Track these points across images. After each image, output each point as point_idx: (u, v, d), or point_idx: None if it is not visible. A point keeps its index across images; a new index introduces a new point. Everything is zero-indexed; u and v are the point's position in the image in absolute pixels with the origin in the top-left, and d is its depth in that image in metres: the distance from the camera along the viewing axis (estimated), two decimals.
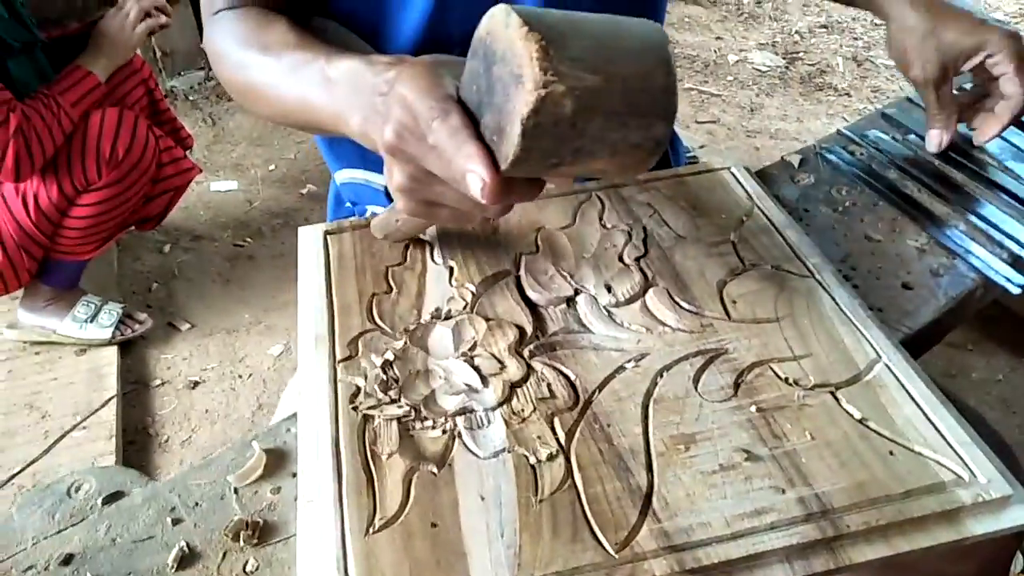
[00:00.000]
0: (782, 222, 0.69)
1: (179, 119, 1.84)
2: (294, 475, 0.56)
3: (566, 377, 0.56)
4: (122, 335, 1.73)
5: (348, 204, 0.84)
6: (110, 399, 1.61)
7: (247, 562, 0.51)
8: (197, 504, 0.54)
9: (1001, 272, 0.72)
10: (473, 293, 0.63)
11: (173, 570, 0.51)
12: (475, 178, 0.43)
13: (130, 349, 1.76)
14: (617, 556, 0.44)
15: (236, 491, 0.55)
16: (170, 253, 2.06)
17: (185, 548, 0.51)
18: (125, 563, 0.51)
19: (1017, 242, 0.75)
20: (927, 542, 0.45)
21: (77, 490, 0.55)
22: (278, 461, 0.57)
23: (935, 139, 0.84)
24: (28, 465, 1.48)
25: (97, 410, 1.58)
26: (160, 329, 1.82)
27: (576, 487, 0.48)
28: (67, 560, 0.51)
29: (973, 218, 0.78)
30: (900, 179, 0.86)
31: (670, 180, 0.75)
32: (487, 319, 0.60)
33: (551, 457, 0.50)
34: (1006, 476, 0.47)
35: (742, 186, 0.74)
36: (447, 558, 0.44)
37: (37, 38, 1.55)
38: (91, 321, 1.71)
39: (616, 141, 0.42)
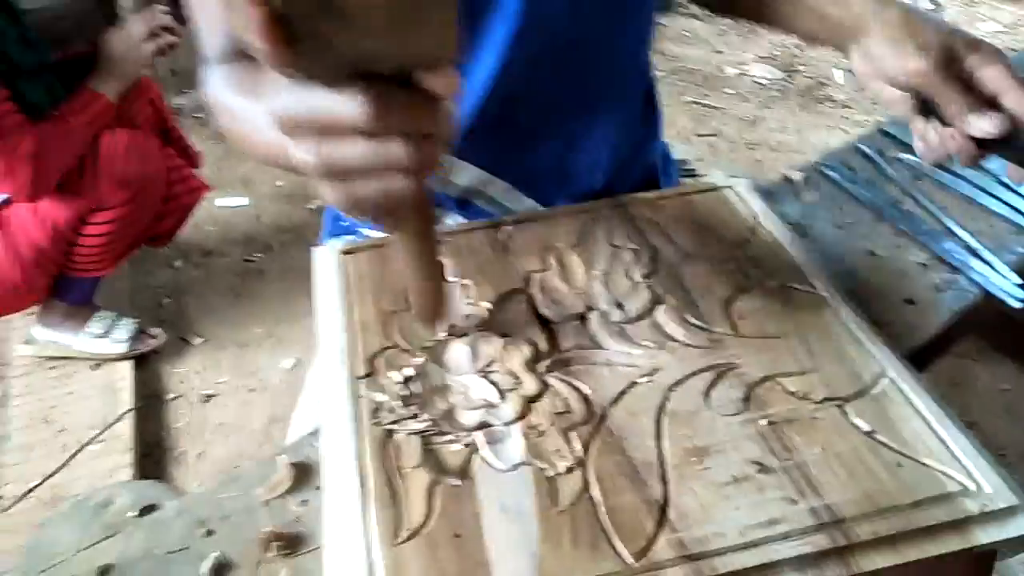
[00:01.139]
0: (787, 239, 0.71)
1: (187, 137, 1.87)
2: (319, 488, 0.58)
3: (580, 392, 0.57)
4: (136, 350, 1.76)
5: (343, 223, 0.86)
6: (125, 413, 1.64)
7: (280, 572, 0.53)
8: (227, 517, 0.56)
9: (1002, 287, 0.73)
10: (488, 311, 0.65)
11: None
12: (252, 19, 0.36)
13: (144, 363, 1.80)
14: (635, 565, 0.45)
15: (265, 504, 0.56)
16: (181, 268, 2.09)
17: (221, 558, 0.53)
18: (161, 573, 0.53)
19: (1018, 256, 0.77)
20: (936, 550, 0.47)
21: (110, 504, 0.57)
22: (304, 475, 0.59)
23: (987, 124, 0.58)
24: (46, 479, 1.51)
25: (113, 424, 1.61)
26: (173, 343, 1.85)
27: (593, 498, 0.49)
28: (105, 571, 0.53)
29: (974, 233, 0.80)
30: (900, 195, 0.88)
31: (675, 198, 0.77)
32: (503, 336, 0.62)
33: (569, 470, 0.51)
34: (1011, 487, 0.49)
35: (746, 204, 0.76)
36: (471, 567, 0.46)
37: (48, 60, 1.58)
38: (106, 336, 1.74)
39: None
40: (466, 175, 0.76)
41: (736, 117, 2.75)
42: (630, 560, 0.46)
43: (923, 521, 0.47)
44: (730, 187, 0.78)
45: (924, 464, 0.51)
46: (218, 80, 0.66)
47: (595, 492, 0.50)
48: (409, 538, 0.47)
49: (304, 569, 0.52)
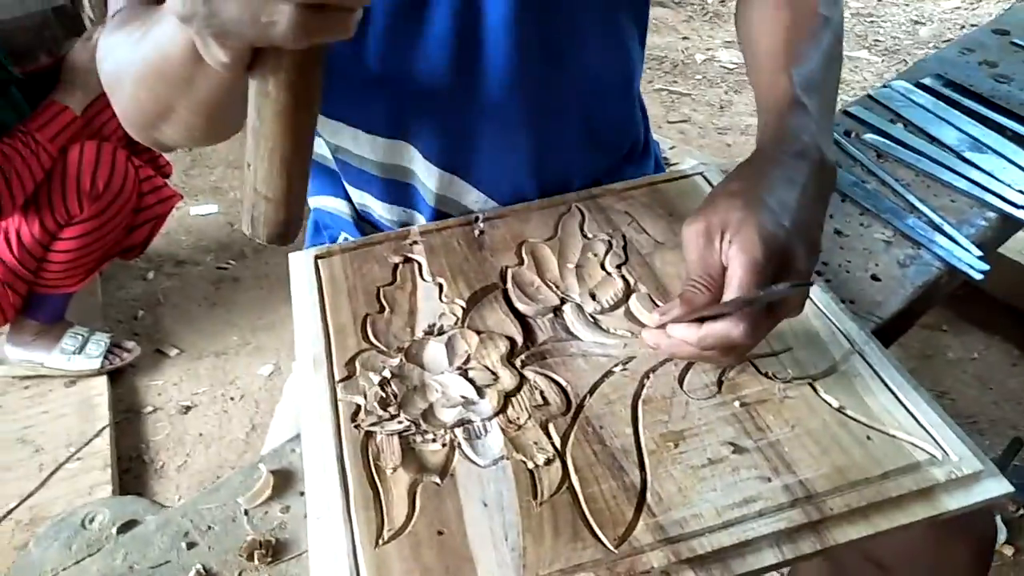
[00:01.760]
0: None
1: None
2: (302, 494, 0.58)
3: (558, 384, 0.58)
4: (111, 364, 1.73)
5: (324, 234, 0.85)
6: (103, 429, 1.61)
7: None
8: (210, 527, 0.56)
9: (964, 260, 0.75)
10: (463, 308, 0.65)
11: None
12: None
13: (120, 378, 1.77)
14: (616, 551, 0.46)
15: (247, 512, 0.56)
16: (154, 280, 2.07)
17: (202, 570, 0.53)
18: None
19: (978, 229, 0.79)
20: (905, 520, 0.48)
21: (91, 521, 0.57)
22: (285, 481, 0.59)
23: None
24: (24, 499, 1.48)
25: (90, 440, 1.59)
26: (148, 356, 1.83)
27: (574, 488, 0.50)
28: None
29: (936, 209, 0.82)
30: (865, 175, 0.90)
31: (646, 188, 0.78)
32: (478, 332, 0.63)
33: (548, 461, 0.52)
34: (976, 453, 0.50)
35: None
36: (455, 564, 0.46)
37: (11, 75, 1.55)
38: (79, 352, 1.71)
39: None
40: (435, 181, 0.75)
41: (706, 103, 2.77)
42: (610, 547, 0.46)
43: (892, 491, 0.49)
44: (700, 173, 0.79)
45: (892, 436, 0.52)
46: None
47: (575, 482, 0.51)
48: (392, 538, 0.48)
49: (287, 575, 0.53)
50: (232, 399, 1.73)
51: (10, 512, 1.47)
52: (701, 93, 2.83)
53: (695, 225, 0.54)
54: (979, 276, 0.74)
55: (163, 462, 1.61)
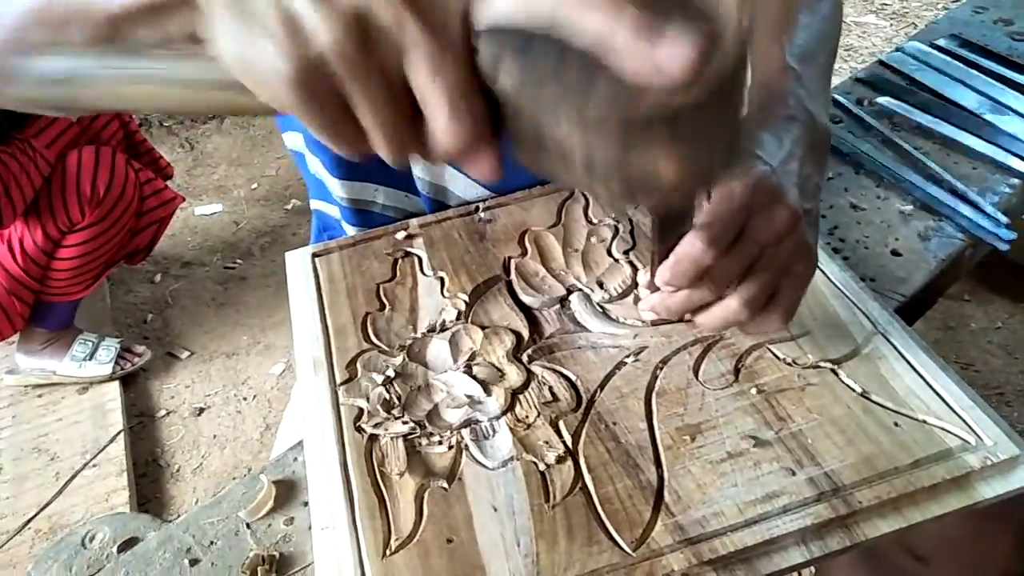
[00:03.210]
0: None
1: (156, 148, 1.84)
2: (305, 504, 0.57)
3: (567, 379, 0.56)
4: (122, 369, 1.73)
5: (324, 233, 0.83)
6: (117, 434, 1.62)
7: None
8: (212, 543, 0.54)
9: (989, 228, 0.72)
10: (466, 303, 0.63)
11: None
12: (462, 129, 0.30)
13: (132, 383, 1.77)
14: (634, 554, 0.44)
15: (249, 526, 0.55)
16: (161, 282, 2.06)
17: None
18: None
19: (1002, 196, 0.75)
20: (939, 511, 0.46)
21: (92, 539, 0.56)
22: (288, 492, 0.57)
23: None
24: (42, 509, 1.49)
25: (105, 447, 1.59)
26: (160, 359, 1.83)
27: (587, 489, 0.48)
28: None
29: (957, 177, 0.78)
30: (880, 145, 0.86)
31: None
32: (483, 327, 0.60)
33: (559, 461, 0.50)
34: (1011, 437, 0.48)
35: None
36: (466, 573, 0.44)
37: None
38: (90, 359, 1.71)
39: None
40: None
41: None
42: (628, 550, 0.44)
43: (924, 481, 0.46)
44: None
45: (921, 421, 0.50)
46: None
47: (588, 482, 0.48)
48: (400, 548, 0.46)
49: None
50: (245, 399, 1.73)
51: (28, 522, 1.47)
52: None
53: None
54: (1005, 247, 0.70)
55: (179, 465, 1.60)
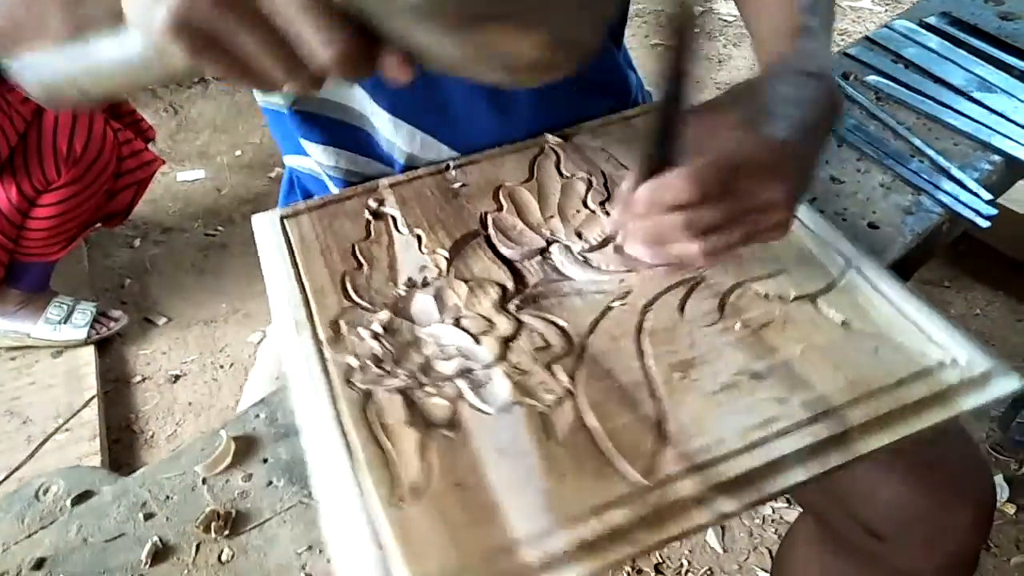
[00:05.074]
0: None
1: (139, 111, 1.77)
2: (265, 461, 0.57)
3: (556, 325, 0.56)
4: (98, 334, 1.68)
5: (297, 191, 0.81)
6: (91, 399, 1.57)
7: (222, 552, 0.51)
8: (168, 497, 0.54)
9: (969, 204, 0.73)
10: (446, 258, 0.62)
11: (147, 566, 0.50)
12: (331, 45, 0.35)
13: (107, 348, 1.72)
14: (646, 482, 0.45)
15: (206, 481, 0.54)
16: (141, 247, 2.00)
17: (158, 543, 0.51)
18: (98, 562, 0.50)
19: (982, 173, 0.77)
20: (923, 424, 0.48)
21: (45, 492, 0.55)
22: (248, 448, 0.57)
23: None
24: (13, 472, 1.43)
25: (79, 411, 1.54)
26: (136, 325, 1.78)
27: (589, 426, 0.48)
28: (39, 564, 0.51)
29: (939, 152, 0.79)
30: (864, 118, 0.87)
31: (619, 123, 0.76)
32: (466, 281, 0.60)
33: (559, 402, 0.50)
34: (984, 352, 0.51)
35: None
36: (482, 515, 0.44)
37: None
38: (65, 322, 1.66)
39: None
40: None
41: (704, 57, 2.68)
42: (638, 479, 0.45)
43: (909, 398, 0.48)
44: None
45: (900, 344, 0.52)
46: None
47: (590, 420, 0.49)
48: (410, 496, 0.45)
49: (249, 546, 0.51)
50: (222, 367, 1.70)
51: None
52: (698, 47, 2.77)
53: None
54: (985, 224, 0.72)
55: (153, 432, 1.57)
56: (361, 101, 0.70)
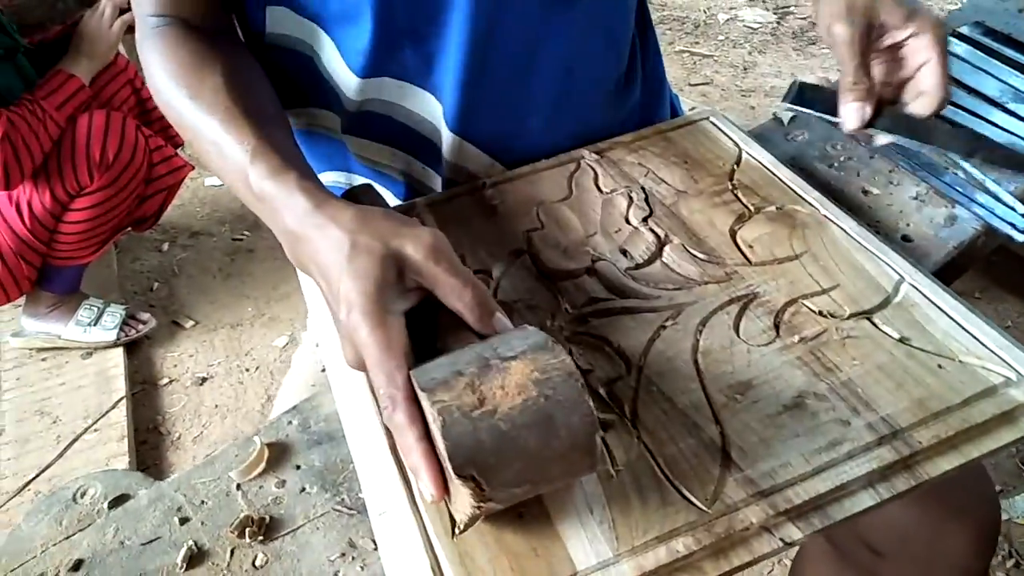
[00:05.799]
0: (772, 163, 0.70)
1: None
2: (298, 467, 0.57)
3: (610, 346, 0.55)
4: (127, 336, 1.72)
5: None
6: (119, 400, 1.61)
7: (256, 557, 0.51)
8: (203, 502, 0.54)
9: (1005, 218, 0.72)
10: (492, 277, 0.62)
11: (183, 569, 0.51)
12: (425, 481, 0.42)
13: (136, 350, 1.76)
14: (710, 511, 0.44)
15: (240, 487, 0.54)
16: (169, 251, 2.04)
17: (193, 547, 0.51)
18: (134, 565, 0.51)
19: (1018, 186, 0.74)
20: (994, 445, 0.47)
21: (83, 495, 0.55)
22: (281, 454, 0.57)
23: (856, 113, 0.63)
24: (43, 471, 1.47)
25: (107, 412, 1.58)
26: (164, 328, 1.82)
27: (650, 451, 0.48)
28: (77, 566, 0.51)
29: (974, 164, 0.77)
30: None
31: (654, 137, 0.75)
32: (513, 302, 0.59)
33: (617, 426, 0.49)
34: None
35: (726, 133, 0.74)
36: (543, 545, 0.43)
37: (19, 44, 1.52)
38: (95, 324, 1.70)
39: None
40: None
41: (728, 64, 2.67)
42: (704, 507, 0.44)
43: (976, 418, 0.47)
44: (706, 119, 0.76)
45: (963, 362, 0.51)
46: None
47: (650, 445, 0.48)
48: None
49: (283, 552, 0.51)
50: (247, 370, 1.72)
51: (28, 483, 1.46)
52: (724, 54, 2.75)
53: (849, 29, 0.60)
54: (1021, 237, 0.70)
55: (179, 433, 1.59)
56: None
